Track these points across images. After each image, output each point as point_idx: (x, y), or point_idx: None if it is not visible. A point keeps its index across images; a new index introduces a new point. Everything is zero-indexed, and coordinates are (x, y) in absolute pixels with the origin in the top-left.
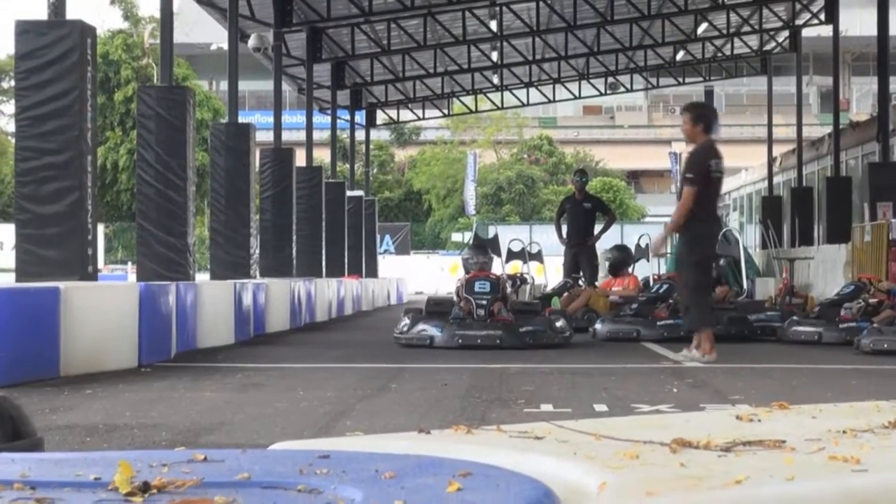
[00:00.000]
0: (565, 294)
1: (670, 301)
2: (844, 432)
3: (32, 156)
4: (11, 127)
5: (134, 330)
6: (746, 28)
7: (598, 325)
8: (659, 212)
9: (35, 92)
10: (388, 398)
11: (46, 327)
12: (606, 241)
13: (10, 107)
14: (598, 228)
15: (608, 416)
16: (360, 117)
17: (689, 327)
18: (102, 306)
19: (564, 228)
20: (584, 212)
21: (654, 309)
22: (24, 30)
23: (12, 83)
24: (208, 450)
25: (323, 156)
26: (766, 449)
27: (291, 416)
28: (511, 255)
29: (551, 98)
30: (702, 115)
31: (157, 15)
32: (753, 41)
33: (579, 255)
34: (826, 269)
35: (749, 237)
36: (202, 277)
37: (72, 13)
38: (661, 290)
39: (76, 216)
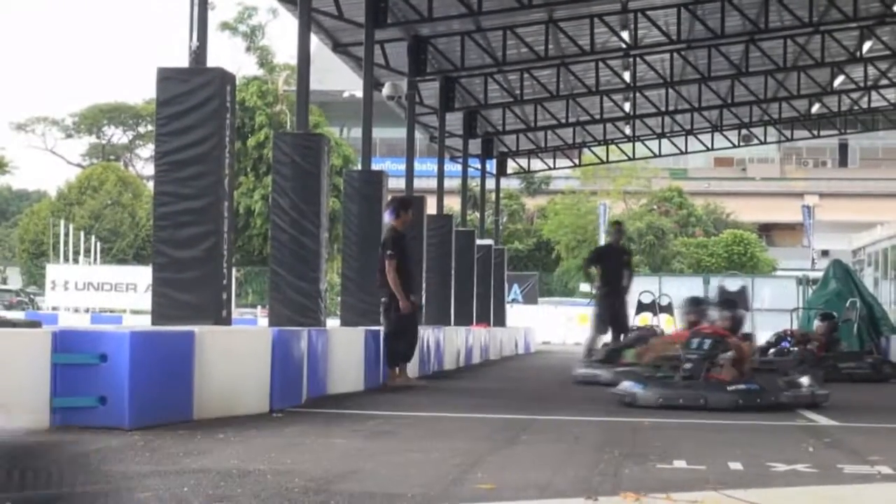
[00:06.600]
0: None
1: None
2: None
3: (171, 200)
4: (147, 171)
5: (266, 375)
6: (884, 81)
7: None
8: (790, 265)
9: (175, 138)
10: (519, 450)
11: (181, 371)
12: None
13: (146, 151)
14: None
15: (742, 474)
16: (491, 166)
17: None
18: (236, 351)
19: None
20: (621, 262)
21: None
22: (166, 76)
23: (150, 128)
24: None
25: (453, 204)
26: None
27: (423, 465)
28: (641, 308)
29: (683, 149)
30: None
31: (292, 62)
32: (891, 94)
33: (616, 303)
34: None
35: (884, 293)
36: (331, 323)
37: (211, 61)
38: None
39: (213, 261)
